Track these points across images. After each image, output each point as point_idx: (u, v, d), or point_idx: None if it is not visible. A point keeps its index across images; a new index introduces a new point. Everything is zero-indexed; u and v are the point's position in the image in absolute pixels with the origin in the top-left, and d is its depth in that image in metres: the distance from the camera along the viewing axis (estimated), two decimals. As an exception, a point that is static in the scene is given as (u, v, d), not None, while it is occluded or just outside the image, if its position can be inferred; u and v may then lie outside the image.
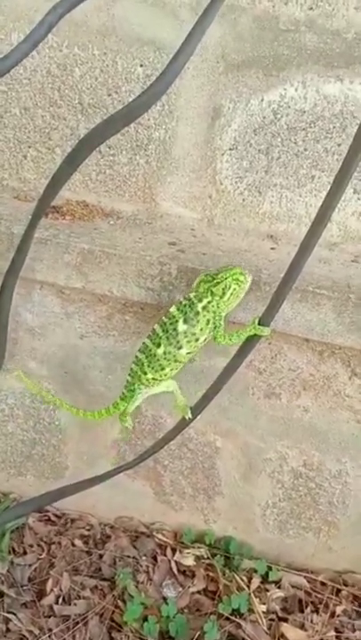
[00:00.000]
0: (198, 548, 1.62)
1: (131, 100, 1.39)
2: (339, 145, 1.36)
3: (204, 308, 1.10)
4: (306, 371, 1.35)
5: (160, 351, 1.13)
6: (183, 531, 1.64)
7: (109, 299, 1.37)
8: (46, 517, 1.67)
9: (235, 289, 1.10)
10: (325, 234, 0.96)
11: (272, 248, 1.41)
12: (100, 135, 0.90)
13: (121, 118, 0.88)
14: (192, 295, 1.12)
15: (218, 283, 1.10)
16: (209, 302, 1.10)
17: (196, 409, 1.14)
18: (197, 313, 1.10)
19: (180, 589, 1.52)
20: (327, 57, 1.28)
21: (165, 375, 1.16)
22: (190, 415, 1.14)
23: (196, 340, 1.12)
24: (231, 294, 1.10)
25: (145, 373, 1.16)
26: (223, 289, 1.10)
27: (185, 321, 1.11)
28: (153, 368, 1.15)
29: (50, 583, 1.49)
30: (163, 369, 1.15)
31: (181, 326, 1.11)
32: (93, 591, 1.49)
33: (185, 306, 1.12)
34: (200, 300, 1.11)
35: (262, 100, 1.34)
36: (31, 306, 1.42)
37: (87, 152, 0.93)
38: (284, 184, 1.42)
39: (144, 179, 1.48)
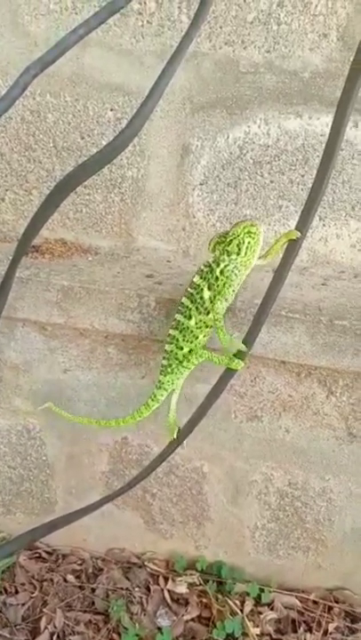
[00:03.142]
0: (190, 575, 1.62)
1: (103, 142, 1.46)
2: (303, 176, 1.43)
3: (221, 272, 1.11)
4: (285, 392, 1.39)
5: (192, 322, 1.15)
6: (175, 558, 1.65)
7: (91, 332, 1.40)
8: (37, 555, 1.67)
9: (249, 242, 1.10)
10: (296, 259, 1.02)
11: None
12: (76, 179, 0.95)
13: (96, 162, 0.93)
14: (210, 261, 1.13)
15: (231, 240, 1.10)
16: (226, 266, 1.11)
17: (182, 435, 1.18)
18: (217, 278, 1.12)
19: (175, 618, 1.53)
20: (286, 95, 1.36)
21: (200, 344, 1.18)
22: (176, 435, 1.17)
23: (219, 301, 1.13)
24: (247, 249, 1.10)
25: (181, 349, 1.18)
26: (238, 245, 1.10)
27: (209, 287, 1.13)
28: (188, 340, 1.17)
29: (44, 621, 1.48)
30: (197, 338, 1.17)
31: (206, 293, 1.13)
32: (88, 626, 1.49)
33: (206, 273, 1.13)
34: (218, 265, 1.12)
35: (228, 138, 1.41)
36: (14, 344, 1.45)
37: (64, 195, 0.98)
38: (254, 214, 1.49)
39: (119, 215, 1.54)
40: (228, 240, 1.11)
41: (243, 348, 1.06)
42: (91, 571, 1.64)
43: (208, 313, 1.14)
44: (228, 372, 1.11)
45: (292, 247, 1.01)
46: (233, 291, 1.13)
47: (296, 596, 1.58)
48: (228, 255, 1.11)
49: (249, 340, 1.07)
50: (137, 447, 1.55)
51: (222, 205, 1.49)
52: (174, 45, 0.89)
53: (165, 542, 1.66)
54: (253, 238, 1.10)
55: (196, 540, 1.64)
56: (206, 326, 1.17)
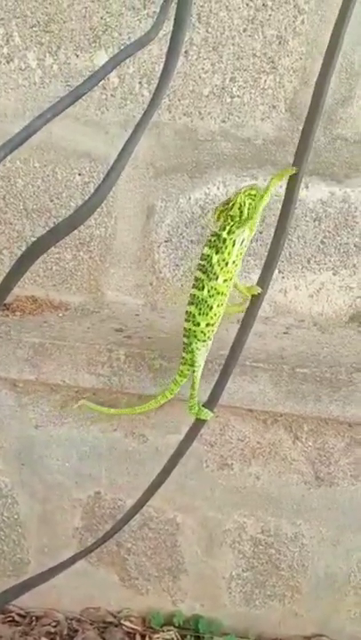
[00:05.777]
0: (167, 631, 1.60)
1: (72, 204, 1.53)
2: (260, 232, 1.53)
3: (228, 232, 1.13)
4: (253, 439, 1.43)
5: (205, 292, 1.17)
6: (151, 615, 1.63)
7: (62, 387, 1.43)
8: (10, 618, 1.63)
9: (250, 203, 1.12)
10: (260, 310, 1.09)
11: (211, 327, 1.53)
12: (46, 242, 1.01)
13: (65, 227, 0.99)
14: (217, 229, 1.15)
15: (233, 205, 1.12)
16: (231, 226, 1.13)
17: (154, 486, 1.20)
18: (224, 240, 1.13)
19: None
20: (242, 160, 1.47)
21: (215, 315, 1.19)
22: (209, 416, 1.16)
23: (226, 264, 1.15)
24: (249, 210, 1.12)
25: (198, 324, 1.19)
26: (239, 208, 1.12)
27: (217, 252, 1.14)
28: (204, 313, 1.18)
29: None
30: (211, 308, 1.18)
31: (215, 257, 1.15)
32: None
33: (214, 241, 1.15)
34: (223, 229, 1.14)
35: (190, 199, 1.50)
36: (-14, 401, 1.47)
37: (34, 258, 1.03)
38: (217, 269, 1.56)
39: (89, 272, 1.59)
40: (230, 206, 1.14)
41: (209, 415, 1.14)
42: (66, 632, 1.60)
43: (217, 278, 1.16)
44: (198, 422, 1.16)
45: (255, 300, 1.08)
46: (241, 253, 1.15)
47: (274, 647, 1.57)
48: (232, 219, 1.14)
49: (217, 390, 1.12)
50: (110, 501, 1.55)
51: (187, 261, 1.56)
52: (136, 116, 0.97)
53: (141, 598, 1.64)
54: (254, 199, 1.13)
55: (172, 594, 1.63)
56: (218, 292, 1.18)
